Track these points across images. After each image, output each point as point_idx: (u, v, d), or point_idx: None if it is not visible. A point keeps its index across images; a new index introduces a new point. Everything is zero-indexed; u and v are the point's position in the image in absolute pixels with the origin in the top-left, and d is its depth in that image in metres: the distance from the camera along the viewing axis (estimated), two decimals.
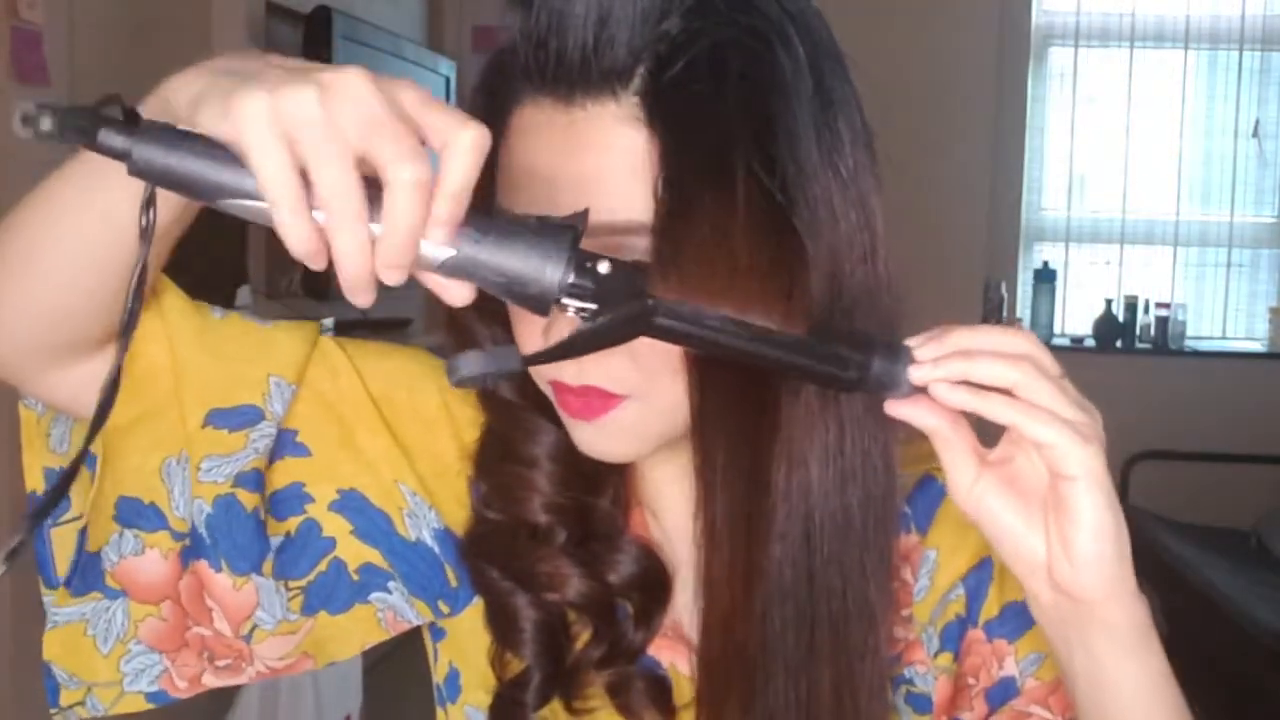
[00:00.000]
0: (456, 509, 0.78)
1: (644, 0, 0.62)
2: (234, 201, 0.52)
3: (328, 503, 0.75)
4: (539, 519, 0.74)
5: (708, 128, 0.61)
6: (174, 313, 0.73)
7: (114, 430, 0.71)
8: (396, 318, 3.07)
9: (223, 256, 2.46)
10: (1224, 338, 4.39)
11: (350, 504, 0.75)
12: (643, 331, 0.57)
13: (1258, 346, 4.32)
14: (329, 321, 2.80)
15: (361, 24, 2.94)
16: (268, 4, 2.71)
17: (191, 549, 0.73)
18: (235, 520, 0.72)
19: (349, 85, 0.49)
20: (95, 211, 0.62)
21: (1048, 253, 4.41)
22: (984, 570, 0.77)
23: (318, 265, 0.51)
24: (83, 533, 0.74)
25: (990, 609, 0.77)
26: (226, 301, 2.81)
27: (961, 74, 4.17)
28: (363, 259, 0.50)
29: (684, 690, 0.76)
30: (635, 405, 0.66)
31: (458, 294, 0.54)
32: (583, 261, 0.54)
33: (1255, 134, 4.32)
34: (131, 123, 0.51)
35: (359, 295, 0.51)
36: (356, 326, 2.92)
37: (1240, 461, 3.96)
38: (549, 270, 0.54)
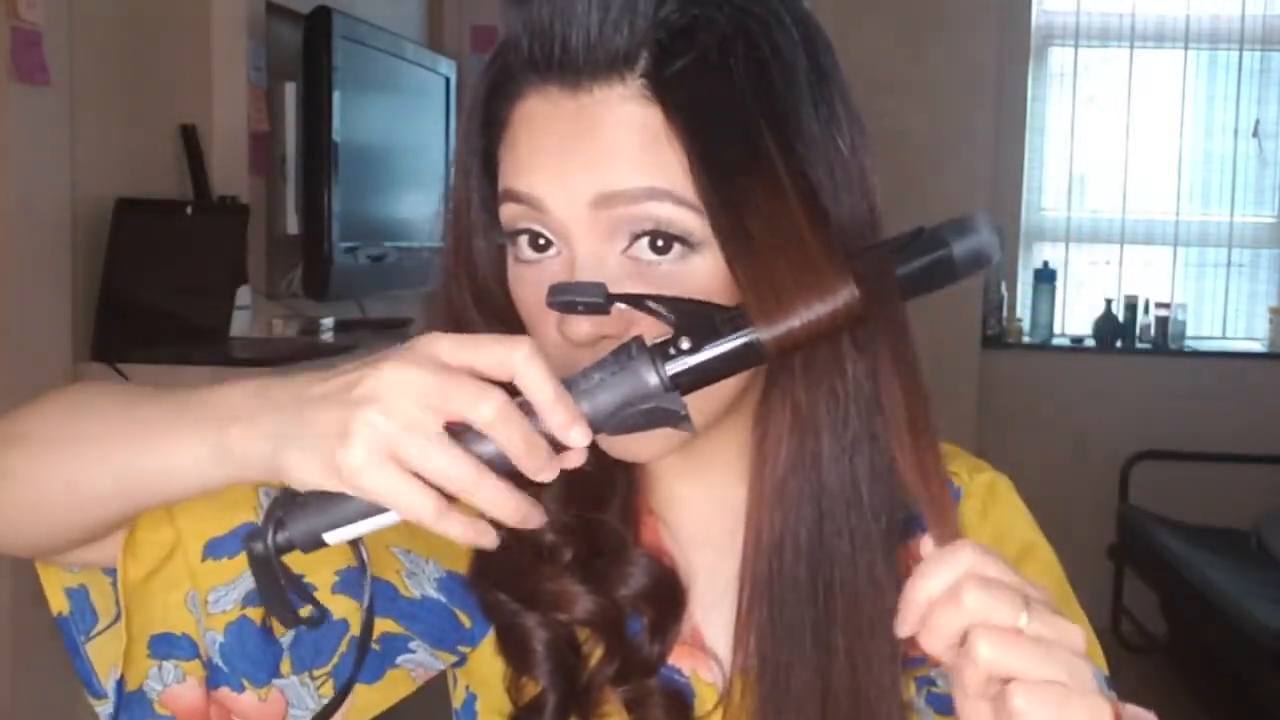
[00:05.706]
0: (455, 552, 0.77)
1: None
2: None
3: (330, 586, 0.74)
4: (544, 538, 0.74)
5: (723, 110, 0.63)
6: None
7: (131, 586, 0.72)
8: (397, 318, 3.06)
9: (223, 256, 2.46)
10: (1224, 338, 4.39)
11: (351, 582, 0.75)
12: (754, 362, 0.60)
13: (1258, 346, 4.32)
14: (329, 321, 2.80)
15: (361, 24, 2.94)
16: (268, 4, 2.71)
17: (210, 678, 0.73)
18: (247, 639, 0.73)
19: (392, 382, 0.54)
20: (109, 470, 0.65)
21: (1048, 253, 4.41)
22: None
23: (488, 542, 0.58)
24: (120, 681, 0.74)
25: None
26: (227, 301, 2.77)
27: (961, 74, 4.17)
28: (508, 500, 0.56)
29: (706, 698, 0.76)
30: None
31: (577, 459, 0.58)
32: (666, 353, 0.58)
33: (1255, 134, 4.32)
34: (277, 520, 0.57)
35: (530, 521, 0.57)
36: (356, 327, 2.92)
37: (1240, 461, 3.96)
38: (649, 382, 0.57)
